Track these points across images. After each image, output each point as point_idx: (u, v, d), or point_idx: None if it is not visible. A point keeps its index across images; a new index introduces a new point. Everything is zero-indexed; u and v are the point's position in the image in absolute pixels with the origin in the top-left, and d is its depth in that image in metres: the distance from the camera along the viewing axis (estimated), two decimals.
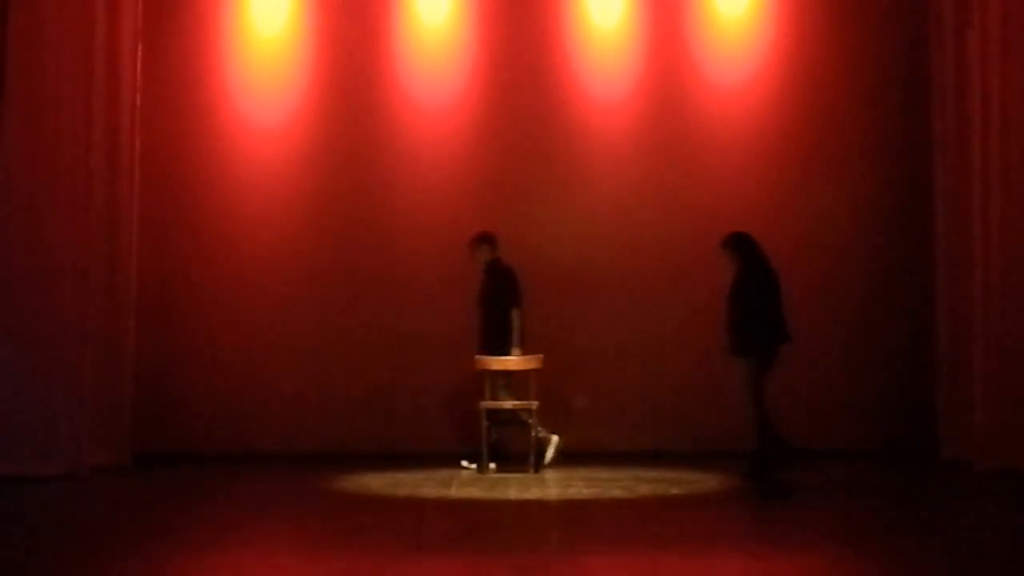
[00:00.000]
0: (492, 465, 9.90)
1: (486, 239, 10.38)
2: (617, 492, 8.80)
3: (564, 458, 10.11)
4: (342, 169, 11.61)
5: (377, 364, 10.85)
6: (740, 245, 9.68)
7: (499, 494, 8.78)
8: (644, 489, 8.96)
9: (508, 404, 10.01)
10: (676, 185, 11.59)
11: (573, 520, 7.91)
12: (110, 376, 10.41)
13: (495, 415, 9.98)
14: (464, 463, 10.04)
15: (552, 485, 9.22)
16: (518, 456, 10.03)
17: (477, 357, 10.08)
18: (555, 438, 10.04)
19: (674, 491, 8.95)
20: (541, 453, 9.91)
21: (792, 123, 11.66)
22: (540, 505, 8.46)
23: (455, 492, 8.94)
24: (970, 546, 6.80)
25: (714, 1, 11.74)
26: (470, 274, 10.84)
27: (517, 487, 9.11)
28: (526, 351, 10.12)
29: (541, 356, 10.10)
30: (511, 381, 10.06)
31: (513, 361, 10.09)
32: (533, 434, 9.86)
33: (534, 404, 9.91)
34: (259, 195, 11.62)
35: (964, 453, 10.06)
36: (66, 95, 9.61)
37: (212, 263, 11.53)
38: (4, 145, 9.48)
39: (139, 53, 10.97)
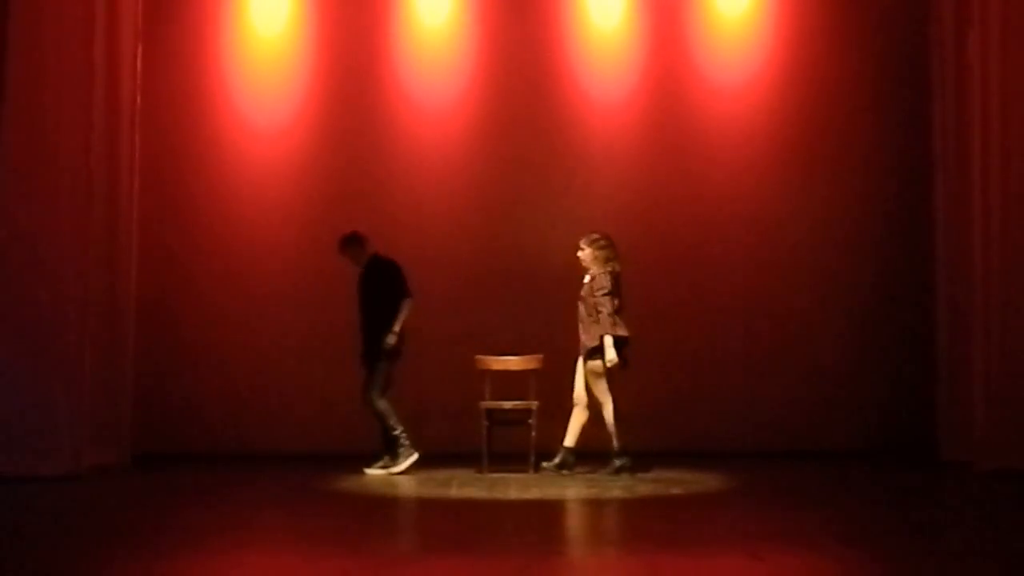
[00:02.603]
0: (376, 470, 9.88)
1: (356, 239, 10.16)
2: (617, 492, 8.80)
3: None
4: (342, 170, 11.62)
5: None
6: (608, 246, 9.76)
7: (499, 494, 8.78)
8: (644, 489, 8.96)
9: (508, 404, 10.00)
10: (676, 185, 11.60)
11: (572, 520, 7.91)
12: (110, 376, 10.41)
13: (495, 415, 9.99)
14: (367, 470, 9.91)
15: (552, 485, 9.22)
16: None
17: (477, 357, 10.08)
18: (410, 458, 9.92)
19: (674, 491, 8.95)
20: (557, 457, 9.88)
21: (792, 124, 11.67)
22: (540, 505, 8.46)
23: (455, 492, 8.93)
24: (970, 546, 6.80)
25: (714, 2, 11.75)
26: (470, 275, 10.86)
27: (517, 487, 9.11)
28: (525, 351, 10.12)
29: (541, 356, 10.09)
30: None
31: (513, 361, 10.08)
32: (533, 434, 9.85)
33: (534, 404, 9.91)
34: (259, 195, 11.63)
35: (964, 453, 10.05)
36: (66, 95, 9.60)
37: (212, 263, 11.54)
38: (4, 145, 9.47)
39: (139, 53, 10.97)
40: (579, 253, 9.85)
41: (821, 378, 11.45)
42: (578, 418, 9.81)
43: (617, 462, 9.66)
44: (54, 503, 8.42)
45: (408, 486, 9.27)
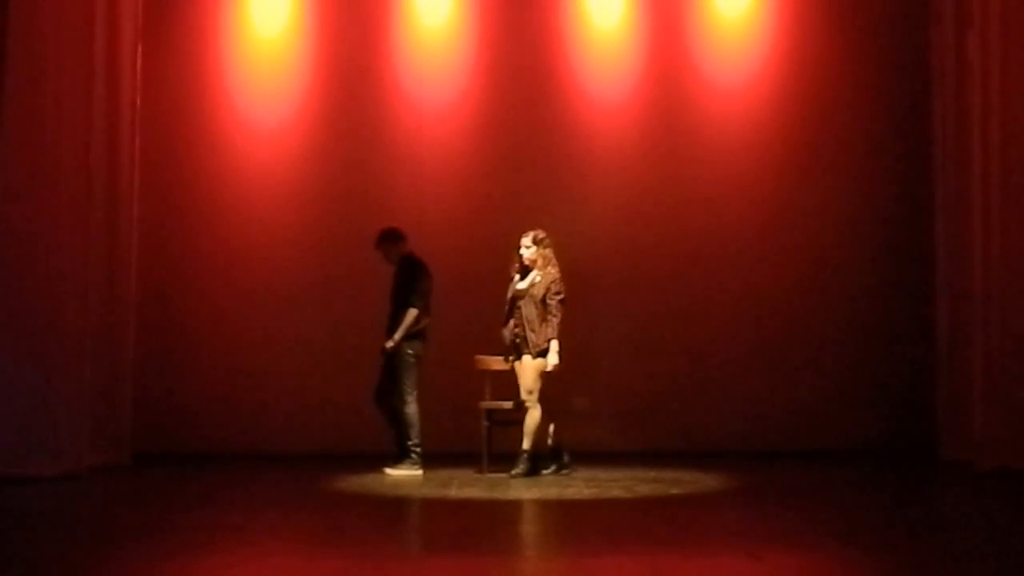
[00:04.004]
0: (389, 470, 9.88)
1: (390, 235, 10.10)
2: (617, 492, 8.79)
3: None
4: (342, 169, 11.62)
5: (377, 364, 10.81)
6: (551, 245, 9.81)
7: (499, 494, 8.78)
8: (644, 489, 8.96)
9: (508, 404, 9.98)
10: (676, 186, 11.61)
11: (573, 520, 7.91)
12: (110, 376, 10.41)
13: (495, 415, 9.98)
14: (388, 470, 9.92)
15: (552, 485, 9.22)
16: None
17: (477, 357, 10.07)
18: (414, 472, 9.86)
19: (674, 491, 8.94)
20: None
21: (792, 123, 11.67)
22: (540, 505, 8.46)
23: (455, 492, 8.93)
24: (970, 546, 6.80)
25: (714, 1, 11.75)
26: (470, 274, 10.85)
27: (517, 487, 9.11)
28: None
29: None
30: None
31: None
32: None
33: None
34: (258, 195, 11.63)
35: (964, 453, 10.05)
36: (66, 95, 9.60)
37: (212, 263, 11.54)
38: (4, 145, 9.47)
39: (139, 53, 10.98)
40: (524, 252, 9.73)
41: (821, 378, 11.45)
42: (544, 418, 9.71)
43: (522, 467, 9.58)
44: (54, 503, 8.42)
45: (408, 486, 9.26)
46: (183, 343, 11.46)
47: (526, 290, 9.74)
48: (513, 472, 9.55)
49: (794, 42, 11.74)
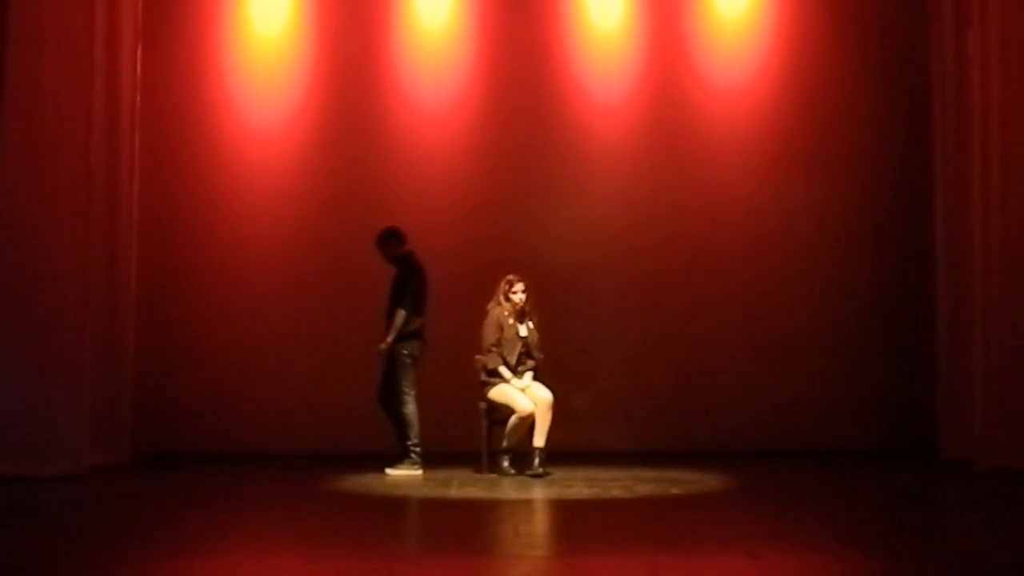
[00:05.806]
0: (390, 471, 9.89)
1: (389, 235, 10.13)
2: (617, 492, 8.80)
3: (564, 458, 10.09)
4: (342, 170, 11.62)
5: (377, 364, 10.83)
6: None
7: (499, 494, 8.79)
8: (644, 489, 8.96)
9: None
10: (676, 186, 11.60)
11: (573, 520, 7.91)
12: (110, 376, 10.40)
13: (495, 415, 9.97)
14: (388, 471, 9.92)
15: (552, 485, 9.22)
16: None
17: (477, 357, 10.07)
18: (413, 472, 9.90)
19: (674, 491, 8.94)
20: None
21: (792, 124, 11.67)
22: (540, 505, 8.46)
23: (455, 492, 8.93)
24: (970, 547, 6.80)
25: (714, 2, 11.75)
26: (469, 274, 10.85)
27: (517, 487, 9.11)
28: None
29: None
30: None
31: None
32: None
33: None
34: (259, 195, 11.62)
35: (964, 453, 10.05)
36: (66, 95, 9.60)
37: (212, 263, 11.54)
38: (4, 145, 9.47)
39: (139, 53, 10.97)
40: (522, 295, 9.83)
41: (821, 378, 11.45)
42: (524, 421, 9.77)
43: (539, 463, 9.62)
44: (54, 503, 8.42)
45: (408, 486, 9.27)
46: (183, 343, 11.45)
47: (528, 337, 9.85)
48: (539, 471, 9.52)
49: (794, 43, 11.74)
